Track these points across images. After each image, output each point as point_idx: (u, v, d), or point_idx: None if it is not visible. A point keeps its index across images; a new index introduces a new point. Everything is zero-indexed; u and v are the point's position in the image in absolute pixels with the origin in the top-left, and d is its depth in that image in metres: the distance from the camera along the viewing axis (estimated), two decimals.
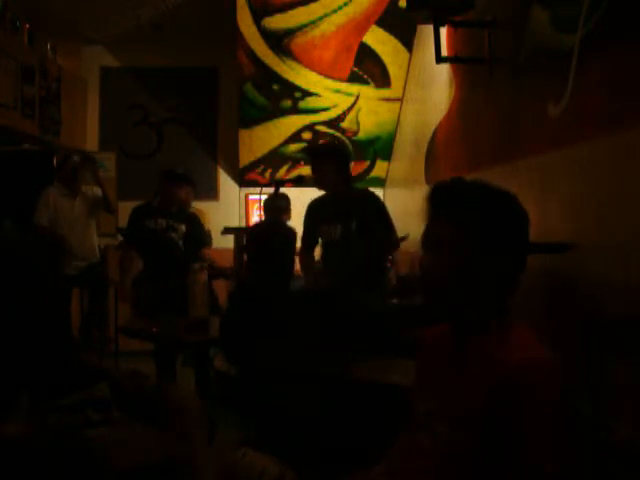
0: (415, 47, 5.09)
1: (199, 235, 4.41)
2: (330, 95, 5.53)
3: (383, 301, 3.52)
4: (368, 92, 5.50)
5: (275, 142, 5.89)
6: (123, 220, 6.27)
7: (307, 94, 5.52)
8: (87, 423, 1.79)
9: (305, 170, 5.01)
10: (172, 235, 4.27)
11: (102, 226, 5.80)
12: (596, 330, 2.04)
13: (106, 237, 6.13)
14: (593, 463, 1.92)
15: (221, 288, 4.74)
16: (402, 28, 5.04)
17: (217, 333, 3.19)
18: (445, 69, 4.01)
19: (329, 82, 5.43)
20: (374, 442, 1.67)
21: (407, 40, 5.12)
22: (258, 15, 5.01)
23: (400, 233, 3.76)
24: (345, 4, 4.92)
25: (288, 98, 5.56)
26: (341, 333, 2.76)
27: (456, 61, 3.75)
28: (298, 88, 5.47)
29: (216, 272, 4.29)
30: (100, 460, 1.56)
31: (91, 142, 6.73)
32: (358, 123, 5.74)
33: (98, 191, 5.02)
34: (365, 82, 5.43)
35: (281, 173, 6.09)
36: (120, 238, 5.95)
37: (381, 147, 5.95)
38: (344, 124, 5.74)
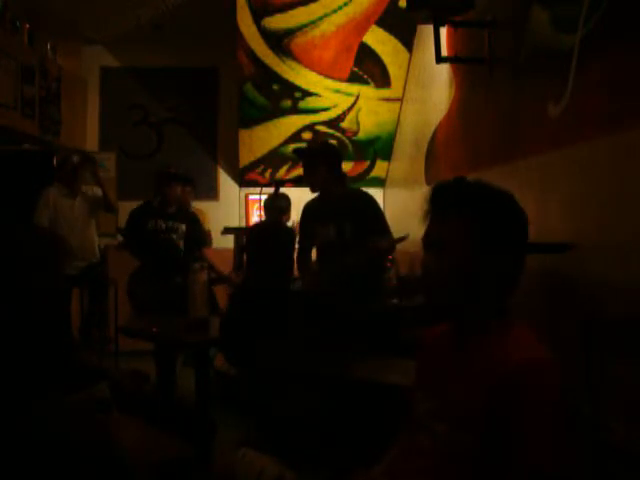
0: (415, 47, 5.09)
1: (199, 235, 4.42)
2: (330, 95, 5.53)
3: (380, 302, 3.52)
4: (368, 92, 5.50)
5: (275, 142, 5.90)
6: (123, 220, 6.28)
7: (307, 94, 5.52)
8: None
9: None
10: (172, 236, 4.27)
11: (102, 226, 5.80)
12: (596, 330, 2.04)
13: (106, 237, 6.13)
14: (593, 463, 1.92)
15: (220, 291, 4.73)
16: (402, 28, 5.04)
17: (217, 333, 3.19)
18: (445, 69, 4.01)
19: (329, 82, 5.43)
20: (374, 442, 1.67)
21: (407, 40, 5.12)
22: (258, 15, 5.01)
23: (400, 233, 3.75)
24: (345, 4, 4.92)
25: (288, 98, 5.56)
26: (341, 333, 2.76)
27: (456, 61, 3.75)
28: (298, 88, 5.47)
29: (215, 279, 4.27)
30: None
31: (91, 142, 6.73)
32: (358, 123, 5.74)
33: (98, 191, 5.02)
34: (365, 82, 5.43)
35: (281, 173, 6.09)
36: (120, 238, 5.96)
37: (381, 147, 5.95)
38: (344, 124, 5.74)
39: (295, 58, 5.26)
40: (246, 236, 4.62)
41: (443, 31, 3.58)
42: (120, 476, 1.60)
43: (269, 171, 6.16)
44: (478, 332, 1.31)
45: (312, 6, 4.91)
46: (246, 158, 6.11)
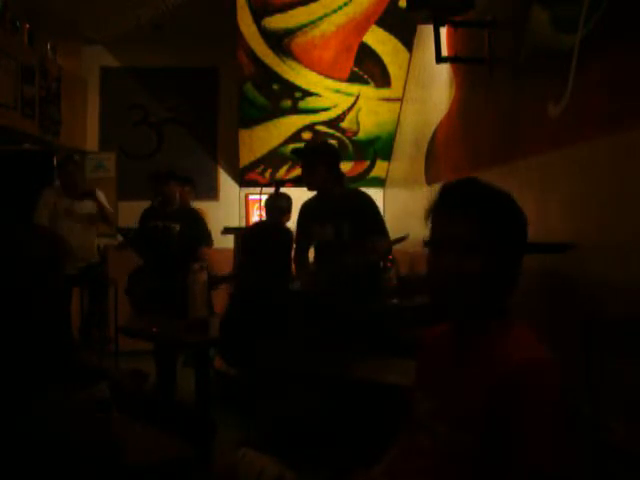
0: (415, 47, 5.09)
1: (196, 234, 4.36)
2: (330, 95, 5.53)
3: (379, 302, 3.52)
4: (368, 92, 5.50)
5: (275, 142, 5.90)
6: (123, 220, 6.29)
7: (307, 94, 5.52)
8: None
9: None
10: (165, 236, 4.26)
11: (102, 226, 5.79)
12: (596, 330, 2.04)
13: (106, 237, 6.14)
14: (593, 463, 1.92)
15: (217, 294, 4.69)
16: (402, 28, 5.04)
17: (217, 333, 3.19)
18: (445, 69, 4.01)
19: (329, 82, 5.43)
20: (374, 442, 1.67)
21: (407, 40, 5.12)
22: (258, 15, 5.01)
23: (400, 233, 3.76)
24: (345, 4, 4.92)
25: (288, 98, 5.56)
26: (340, 333, 2.76)
27: (456, 61, 3.75)
28: (298, 88, 5.47)
29: (213, 280, 4.26)
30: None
31: (91, 142, 6.73)
32: (358, 123, 5.74)
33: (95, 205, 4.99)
34: (365, 82, 5.43)
35: (281, 173, 6.09)
36: (120, 238, 5.96)
37: (381, 147, 5.95)
38: (344, 124, 5.74)
39: (295, 58, 5.26)
40: (245, 236, 4.61)
41: (443, 31, 3.58)
42: (120, 476, 1.60)
43: (269, 171, 6.16)
44: (478, 332, 1.31)
45: (312, 6, 4.91)
46: (246, 158, 6.11)
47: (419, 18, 3.78)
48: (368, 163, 6.12)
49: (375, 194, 5.22)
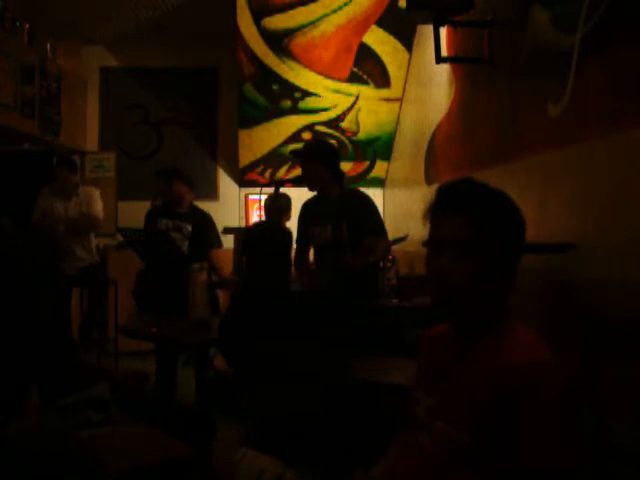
0: (415, 47, 5.09)
1: (205, 237, 4.34)
2: (330, 95, 5.53)
3: (379, 302, 3.52)
4: (368, 92, 5.50)
5: (275, 142, 5.90)
6: (123, 220, 6.29)
7: (307, 94, 5.52)
8: (87, 423, 1.79)
9: None
10: (175, 235, 4.24)
11: (102, 226, 5.79)
12: (596, 330, 2.04)
13: (106, 237, 6.14)
14: (593, 463, 1.92)
15: (222, 293, 4.71)
16: (402, 28, 5.04)
17: (217, 334, 3.19)
18: (445, 69, 4.01)
19: (329, 82, 5.43)
20: (374, 442, 1.67)
21: (407, 40, 5.12)
22: (258, 15, 5.01)
23: (400, 233, 3.76)
24: (345, 4, 4.92)
25: (288, 98, 5.56)
26: (340, 333, 2.76)
27: (456, 61, 3.75)
28: (298, 88, 5.47)
29: (217, 282, 4.24)
30: (97, 460, 1.56)
31: (91, 142, 6.73)
32: (358, 123, 5.74)
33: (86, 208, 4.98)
34: (365, 82, 5.43)
35: (281, 173, 6.10)
36: (120, 238, 5.96)
37: (381, 147, 5.95)
38: (344, 124, 5.74)
39: (295, 58, 5.26)
40: (245, 236, 4.61)
41: (443, 31, 3.58)
42: None
43: (269, 171, 6.17)
44: (478, 332, 1.31)
45: (312, 6, 4.91)
46: (246, 158, 6.11)
47: (419, 18, 3.77)
48: (368, 163, 6.12)
49: (375, 194, 5.23)
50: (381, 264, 3.82)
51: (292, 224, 4.57)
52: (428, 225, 1.36)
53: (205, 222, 4.35)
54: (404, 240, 3.72)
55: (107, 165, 6.69)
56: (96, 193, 5.13)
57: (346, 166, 5.69)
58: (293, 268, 3.62)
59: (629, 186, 1.96)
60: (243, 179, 6.39)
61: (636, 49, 1.91)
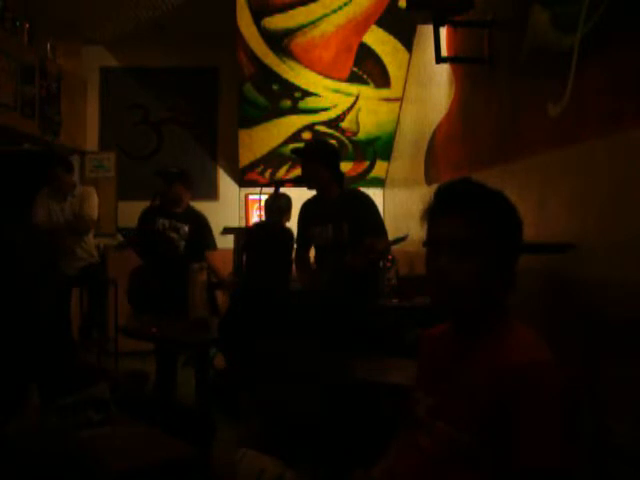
0: (415, 47, 5.09)
1: (201, 238, 4.34)
2: (330, 95, 5.53)
3: (379, 302, 3.52)
4: (368, 92, 5.50)
5: (275, 142, 5.90)
6: (123, 220, 6.30)
7: (307, 94, 5.52)
8: (87, 423, 1.80)
9: None
10: (173, 235, 4.25)
11: (102, 226, 5.80)
12: (596, 330, 2.04)
13: (106, 237, 6.14)
14: (593, 463, 1.92)
15: (220, 294, 4.72)
16: (402, 28, 5.04)
17: (217, 333, 3.20)
18: (445, 69, 4.01)
19: (329, 82, 5.43)
20: (374, 442, 1.67)
21: (407, 40, 5.12)
22: (258, 15, 5.01)
23: (400, 233, 3.75)
24: (345, 4, 4.92)
25: (288, 98, 5.56)
26: (341, 333, 2.76)
27: (456, 61, 3.75)
28: (298, 88, 5.47)
29: (216, 283, 4.24)
30: (97, 460, 1.56)
31: (91, 142, 6.73)
32: (358, 123, 5.74)
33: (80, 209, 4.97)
34: (365, 82, 5.43)
35: (281, 173, 6.10)
36: (120, 238, 5.96)
37: (381, 147, 5.95)
38: (344, 124, 5.74)
39: (295, 58, 5.26)
40: (245, 236, 4.61)
41: (443, 31, 3.58)
42: None
43: (269, 171, 6.16)
44: (478, 332, 1.31)
45: (312, 6, 4.91)
46: (246, 158, 6.11)
47: (419, 18, 3.77)
48: (368, 163, 6.12)
49: (375, 194, 5.23)
50: (381, 264, 3.83)
51: (292, 224, 4.58)
52: (426, 226, 1.36)
53: (201, 223, 4.36)
54: (404, 240, 3.71)
55: (107, 165, 6.69)
56: (91, 193, 5.10)
57: (346, 166, 5.69)
58: (294, 268, 3.62)
59: (629, 186, 1.96)
60: (243, 179, 6.39)
61: (636, 49, 1.91)
